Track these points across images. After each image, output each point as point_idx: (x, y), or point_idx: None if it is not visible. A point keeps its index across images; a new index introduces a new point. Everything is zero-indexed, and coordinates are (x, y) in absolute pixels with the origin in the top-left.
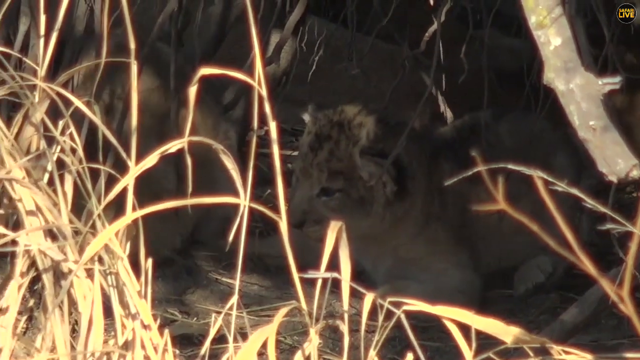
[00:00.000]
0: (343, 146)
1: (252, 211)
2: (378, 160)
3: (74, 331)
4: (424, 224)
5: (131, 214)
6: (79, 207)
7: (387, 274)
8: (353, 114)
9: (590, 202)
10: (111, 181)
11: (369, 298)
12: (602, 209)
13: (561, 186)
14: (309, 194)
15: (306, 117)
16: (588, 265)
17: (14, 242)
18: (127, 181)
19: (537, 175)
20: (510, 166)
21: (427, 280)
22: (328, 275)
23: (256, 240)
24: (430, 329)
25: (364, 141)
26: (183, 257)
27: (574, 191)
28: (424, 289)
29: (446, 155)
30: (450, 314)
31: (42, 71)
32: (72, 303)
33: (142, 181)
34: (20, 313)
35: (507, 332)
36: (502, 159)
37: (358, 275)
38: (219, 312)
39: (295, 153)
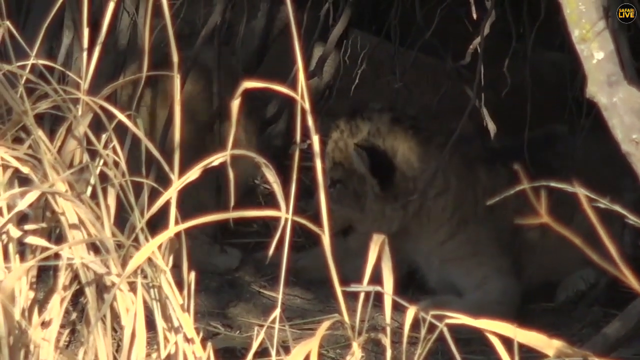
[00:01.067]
0: (345, 136)
1: (294, 225)
2: (362, 154)
3: (117, 345)
4: (459, 225)
5: (173, 227)
6: (122, 220)
7: (436, 273)
8: (369, 109)
9: (633, 218)
10: (154, 194)
11: (411, 311)
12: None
13: (604, 203)
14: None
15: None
16: (631, 279)
17: (57, 256)
18: (170, 194)
19: (581, 192)
20: (553, 184)
21: (468, 290)
22: (371, 288)
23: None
24: (472, 342)
25: (364, 134)
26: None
27: (617, 208)
28: (464, 303)
29: (506, 162)
30: (493, 327)
31: (85, 84)
32: (115, 316)
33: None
34: (63, 326)
35: (549, 345)
36: (575, 173)
37: (413, 274)
38: (261, 326)
39: None
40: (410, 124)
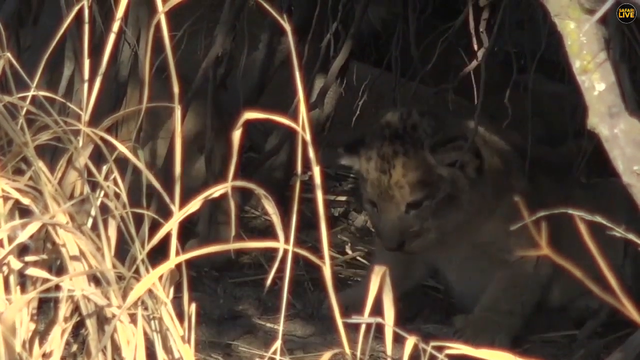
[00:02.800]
0: (412, 155)
1: (296, 257)
2: (455, 145)
3: None
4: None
5: (174, 258)
6: (122, 251)
7: (459, 265)
8: (401, 122)
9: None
10: (155, 226)
11: (410, 342)
12: None
13: (619, 232)
14: (397, 215)
15: (345, 160)
16: (631, 310)
17: (57, 287)
18: (171, 226)
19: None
20: (571, 211)
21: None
22: (372, 320)
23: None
24: None
25: (428, 139)
26: (226, 299)
27: (631, 237)
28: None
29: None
30: (494, 357)
31: (85, 116)
32: (116, 348)
33: None
34: (63, 358)
35: None
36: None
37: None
38: (262, 357)
39: (340, 198)
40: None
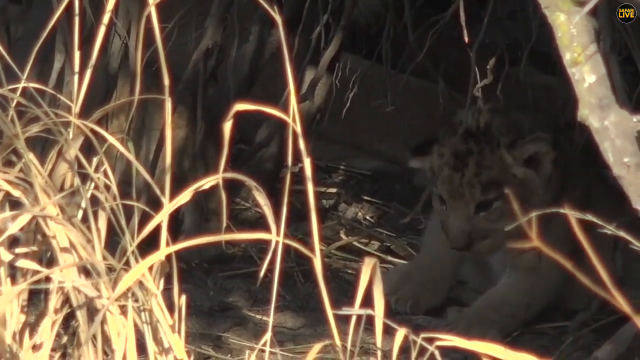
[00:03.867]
0: (488, 153)
1: (287, 249)
2: (533, 137)
3: None
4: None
5: (164, 249)
6: (113, 243)
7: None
8: (474, 121)
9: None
10: (145, 218)
11: (400, 334)
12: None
13: (609, 229)
14: (466, 214)
15: (414, 163)
16: (622, 303)
17: (48, 279)
18: (161, 218)
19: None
20: (563, 211)
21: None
22: (362, 311)
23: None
24: None
25: (504, 137)
26: (216, 291)
27: (622, 234)
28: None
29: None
30: (484, 349)
31: (76, 107)
32: (106, 340)
33: None
34: (54, 350)
35: None
36: None
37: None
38: (252, 349)
39: (330, 190)
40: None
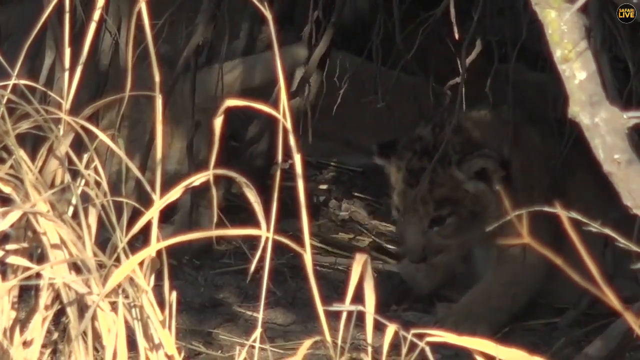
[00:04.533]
0: (440, 171)
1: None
2: (480, 153)
3: None
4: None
5: (154, 244)
6: (103, 240)
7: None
8: (432, 137)
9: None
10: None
11: (390, 330)
12: (630, 245)
13: (594, 226)
14: (420, 229)
15: (378, 160)
16: (612, 299)
17: (38, 275)
18: (152, 214)
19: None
20: (546, 209)
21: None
22: (353, 308)
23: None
24: None
25: (455, 155)
26: (207, 287)
27: (607, 231)
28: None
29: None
30: (474, 344)
31: (66, 104)
32: (97, 336)
33: None
34: (44, 346)
35: None
36: None
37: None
38: (243, 345)
39: (321, 186)
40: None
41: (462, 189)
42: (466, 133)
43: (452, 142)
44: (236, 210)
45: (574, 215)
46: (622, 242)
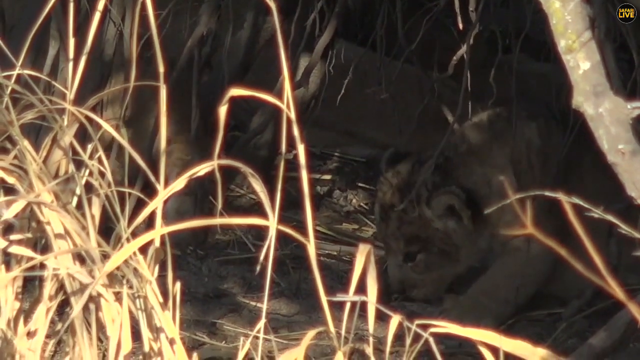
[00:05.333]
0: (410, 209)
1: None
2: (446, 190)
3: (103, 355)
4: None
5: (158, 229)
6: (107, 230)
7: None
8: (409, 175)
9: (624, 228)
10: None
11: (394, 321)
12: (635, 234)
13: (597, 212)
14: (398, 263)
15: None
16: (616, 290)
17: (42, 266)
18: (156, 204)
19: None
20: (547, 193)
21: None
22: (356, 298)
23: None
24: (457, 354)
25: (425, 192)
26: (211, 278)
27: (609, 217)
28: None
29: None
30: (479, 336)
31: (71, 95)
32: (101, 327)
33: None
34: (48, 337)
35: (535, 355)
36: None
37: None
38: (247, 336)
39: (324, 177)
40: (443, 159)
41: (432, 227)
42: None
43: (427, 180)
44: (240, 200)
45: (576, 200)
46: (624, 229)
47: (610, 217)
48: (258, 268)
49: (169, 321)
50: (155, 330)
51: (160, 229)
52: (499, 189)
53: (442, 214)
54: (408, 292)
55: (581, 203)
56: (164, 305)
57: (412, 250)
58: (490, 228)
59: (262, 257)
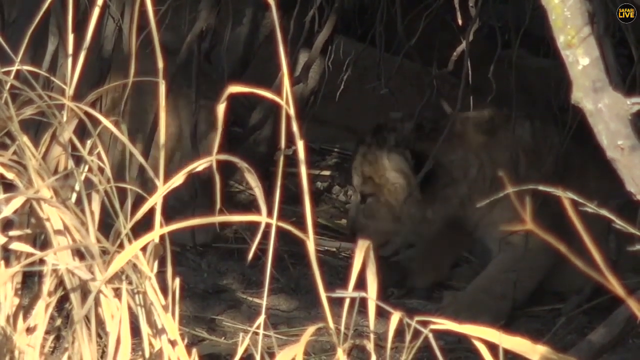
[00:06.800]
0: (373, 150)
1: (280, 232)
2: (406, 154)
3: (102, 351)
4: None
5: (158, 230)
6: (106, 226)
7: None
8: (391, 122)
9: (619, 223)
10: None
11: (395, 317)
12: (631, 229)
13: (591, 207)
14: (356, 202)
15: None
16: (616, 285)
17: (42, 262)
18: (155, 200)
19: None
20: (541, 187)
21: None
22: (355, 294)
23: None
24: (457, 350)
25: (392, 142)
26: (210, 274)
27: (604, 212)
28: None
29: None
30: (478, 332)
31: (70, 90)
32: (100, 323)
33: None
34: (47, 332)
35: (534, 351)
36: None
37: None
38: (246, 332)
39: (324, 172)
40: (431, 127)
41: (385, 176)
42: (419, 132)
43: (404, 129)
44: (239, 196)
45: (572, 196)
46: (620, 224)
47: (605, 212)
48: (249, 258)
49: (168, 318)
50: (155, 326)
51: (159, 230)
52: (473, 178)
53: (396, 169)
54: (359, 235)
55: (575, 198)
56: (165, 302)
57: (365, 191)
58: (440, 205)
59: (251, 253)
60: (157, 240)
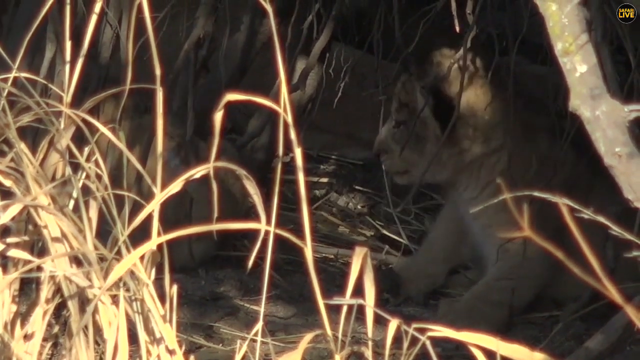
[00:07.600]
0: (412, 79)
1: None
2: (427, 95)
3: (100, 358)
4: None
5: (155, 238)
6: (104, 233)
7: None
8: (441, 55)
9: (616, 230)
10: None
11: (392, 325)
12: (628, 236)
13: (587, 213)
14: (389, 126)
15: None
16: (613, 292)
17: (39, 269)
18: (152, 207)
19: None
20: (536, 193)
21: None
22: (353, 301)
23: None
24: (454, 357)
25: (430, 78)
26: (208, 281)
27: (600, 219)
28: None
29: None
30: (475, 339)
31: (67, 97)
32: (97, 329)
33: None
34: (45, 339)
35: (532, 358)
36: None
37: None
38: (244, 339)
39: (321, 180)
40: (481, 74)
41: (417, 108)
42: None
43: (444, 69)
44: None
45: (569, 202)
46: (616, 230)
47: (601, 219)
48: (249, 266)
49: (166, 325)
50: (152, 334)
51: (157, 239)
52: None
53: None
54: (382, 158)
55: (571, 204)
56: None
57: (399, 117)
58: (457, 150)
59: (251, 261)
60: (154, 248)
